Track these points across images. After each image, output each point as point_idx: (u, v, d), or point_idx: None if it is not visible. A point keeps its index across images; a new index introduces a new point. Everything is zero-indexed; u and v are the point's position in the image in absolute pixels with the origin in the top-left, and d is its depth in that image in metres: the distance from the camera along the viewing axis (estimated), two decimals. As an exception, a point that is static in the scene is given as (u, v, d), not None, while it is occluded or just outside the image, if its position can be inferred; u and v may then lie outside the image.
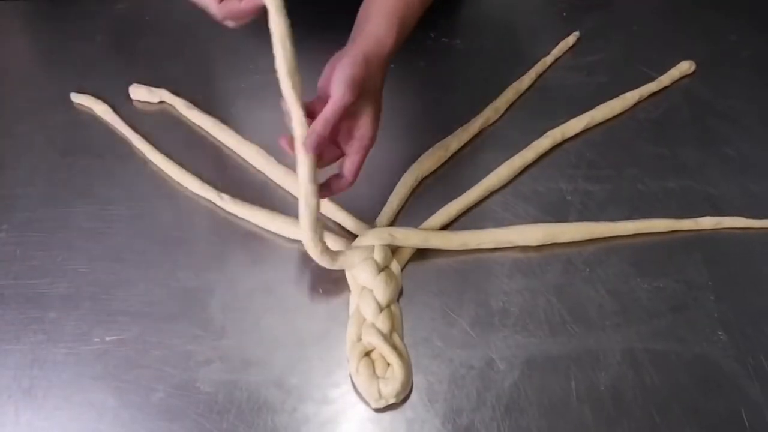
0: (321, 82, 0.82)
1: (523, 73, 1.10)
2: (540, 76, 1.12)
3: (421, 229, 0.88)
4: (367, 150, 0.82)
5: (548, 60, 1.13)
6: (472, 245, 0.86)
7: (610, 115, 1.05)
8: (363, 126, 0.81)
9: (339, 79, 0.79)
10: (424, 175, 0.96)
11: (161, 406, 0.73)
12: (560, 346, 0.78)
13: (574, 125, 1.02)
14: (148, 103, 1.07)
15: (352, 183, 0.82)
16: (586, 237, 0.88)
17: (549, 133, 1.00)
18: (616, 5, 1.30)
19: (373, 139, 0.82)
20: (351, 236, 0.88)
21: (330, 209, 0.90)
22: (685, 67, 1.12)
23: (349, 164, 0.81)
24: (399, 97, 1.08)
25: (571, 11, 1.24)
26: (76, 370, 0.76)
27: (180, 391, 0.74)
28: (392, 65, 0.99)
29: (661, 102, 1.09)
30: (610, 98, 1.07)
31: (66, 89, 1.07)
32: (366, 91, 0.80)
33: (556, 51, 1.15)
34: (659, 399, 0.74)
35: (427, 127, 1.02)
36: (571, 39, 1.17)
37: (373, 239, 0.84)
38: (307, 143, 0.77)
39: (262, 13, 0.80)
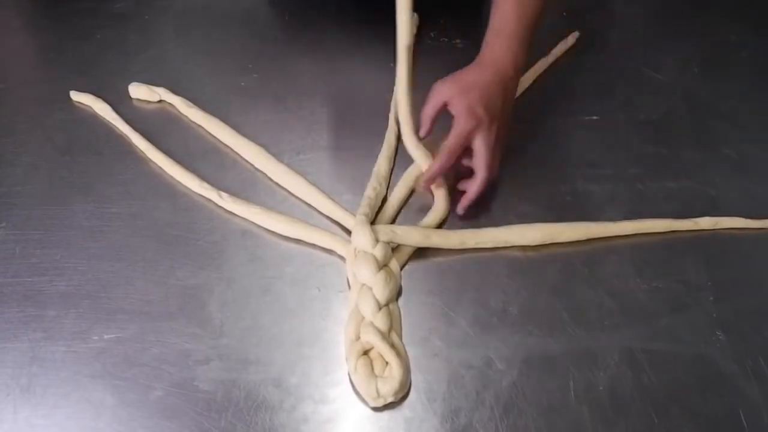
0: (427, 110, 0.89)
1: (523, 73, 1.10)
2: (539, 76, 1.12)
3: (421, 226, 0.88)
4: (483, 183, 0.88)
5: (548, 60, 1.13)
6: (471, 244, 0.86)
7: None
8: (478, 157, 0.86)
9: (458, 107, 0.85)
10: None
11: (159, 404, 0.73)
12: (559, 346, 0.78)
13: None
14: (148, 101, 1.07)
15: (463, 217, 0.90)
16: (585, 237, 0.88)
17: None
18: (616, 6, 1.31)
19: (489, 170, 0.87)
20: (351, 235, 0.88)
21: (330, 208, 0.90)
22: (571, 41, 1.16)
23: (463, 199, 0.90)
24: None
25: (571, 11, 1.24)
26: (75, 368, 0.76)
27: (178, 389, 0.74)
28: (391, 64, 0.99)
29: (660, 102, 1.09)
30: (611, 98, 1.08)
31: (65, 87, 1.08)
32: (483, 119, 0.85)
33: (556, 51, 1.15)
34: (657, 399, 0.74)
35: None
36: (570, 39, 1.17)
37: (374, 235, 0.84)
38: (432, 177, 0.88)
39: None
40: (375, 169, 0.95)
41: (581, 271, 0.86)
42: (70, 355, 0.77)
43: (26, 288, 0.83)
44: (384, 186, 0.94)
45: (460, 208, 0.90)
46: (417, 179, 0.93)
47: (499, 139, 0.88)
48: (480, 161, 0.87)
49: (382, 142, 0.99)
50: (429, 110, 0.89)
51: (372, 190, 0.92)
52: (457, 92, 0.87)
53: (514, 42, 0.89)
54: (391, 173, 0.96)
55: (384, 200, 0.93)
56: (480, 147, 0.86)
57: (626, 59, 1.16)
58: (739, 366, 0.77)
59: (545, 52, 1.14)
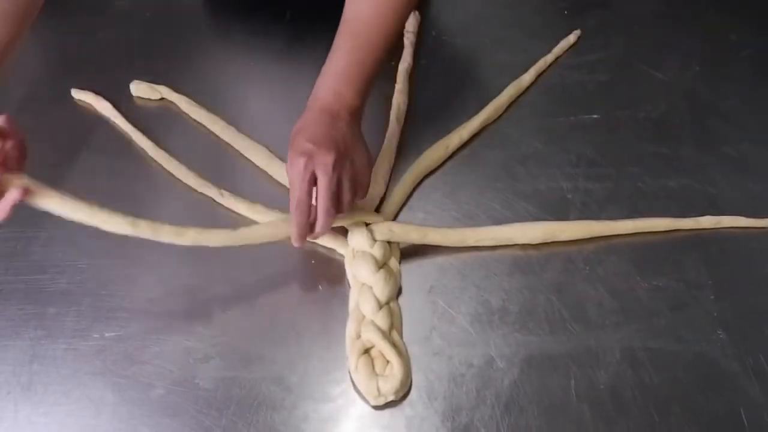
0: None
1: (524, 72, 1.10)
2: (541, 74, 1.12)
3: (423, 225, 0.89)
4: (324, 217, 0.78)
5: (549, 58, 1.13)
6: (471, 242, 0.86)
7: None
8: (319, 190, 0.78)
9: (289, 155, 0.78)
10: (425, 174, 0.96)
11: (160, 402, 0.73)
12: (560, 345, 0.78)
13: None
14: (149, 99, 1.07)
15: (316, 236, 0.81)
16: (586, 235, 0.88)
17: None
18: (617, 4, 1.30)
19: (325, 202, 0.77)
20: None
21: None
22: (572, 39, 1.16)
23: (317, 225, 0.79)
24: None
25: (572, 10, 1.24)
26: (76, 365, 0.76)
27: (179, 387, 0.74)
28: (392, 62, 0.99)
29: (661, 101, 1.09)
30: (611, 96, 1.08)
31: (67, 86, 1.07)
32: (313, 150, 0.77)
33: (557, 50, 1.15)
34: (658, 398, 0.74)
35: (427, 126, 1.02)
36: (572, 37, 1.17)
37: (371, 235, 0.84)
38: (300, 237, 0.79)
39: None
40: (374, 167, 0.95)
41: (582, 269, 0.86)
42: (71, 353, 0.77)
43: (27, 286, 0.83)
44: (383, 185, 0.93)
45: (319, 230, 0.80)
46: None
47: (348, 169, 0.79)
48: (320, 195, 0.78)
49: (383, 142, 0.99)
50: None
51: (370, 189, 0.92)
52: (290, 145, 0.79)
53: (340, 80, 0.82)
54: (390, 173, 0.96)
55: (383, 199, 0.93)
56: (320, 177, 0.77)
57: (627, 58, 1.16)
58: (740, 364, 0.77)
59: (546, 51, 1.14)
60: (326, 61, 0.85)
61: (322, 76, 0.84)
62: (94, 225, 0.77)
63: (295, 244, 0.79)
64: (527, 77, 1.09)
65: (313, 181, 0.77)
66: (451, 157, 0.99)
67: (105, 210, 0.77)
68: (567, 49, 1.16)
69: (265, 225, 0.84)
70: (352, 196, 0.80)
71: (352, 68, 0.83)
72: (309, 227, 0.79)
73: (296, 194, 0.77)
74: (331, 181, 0.77)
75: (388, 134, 0.99)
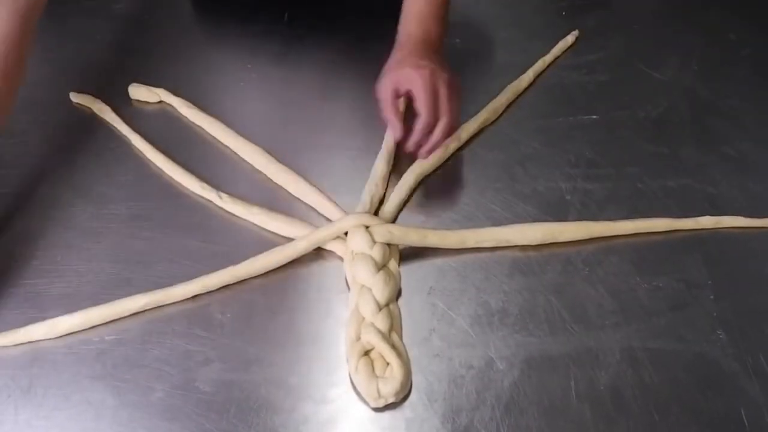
0: (387, 112, 0.89)
1: (522, 72, 1.10)
2: (539, 75, 1.12)
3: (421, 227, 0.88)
4: (425, 128, 0.87)
5: (547, 59, 1.13)
6: (471, 244, 0.86)
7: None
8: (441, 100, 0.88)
9: (409, 75, 0.88)
10: (425, 175, 0.96)
11: (160, 405, 0.73)
12: (560, 346, 0.78)
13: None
14: (147, 102, 1.07)
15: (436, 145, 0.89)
16: (586, 236, 0.88)
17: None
18: (616, 4, 1.31)
19: (426, 115, 0.87)
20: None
21: (329, 208, 0.90)
22: (571, 39, 1.17)
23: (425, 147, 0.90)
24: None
25: (571, 10, 1.24)
26: (76, 369, 0.76)
27: (179, 390, 0.74)
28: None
29: (660, 101, 1.09)
30: (610, 96, 1.08)
31: (65, 89, 1.07)
32: (429, 66, 0.88)
33: (556, 50, 1.15)
34: (659, 398, 0.74)
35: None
36: (570, 38, 1.17)
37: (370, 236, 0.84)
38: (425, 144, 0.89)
39: None
40: (373, 169, 0.95)
41: (582, 270, 0.86)
42: (71, 357, 0.77)
43: (26, 290, 0.83)
44: (381, 187, 0.94)
45: (424, 152, 0.90)
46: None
47: (451, 86, 0.88)
48: (445, 107, 0.88)
49: (382, 143, 0.99)
50: (388, 110, 0.89)
51: (368, 191, 0.92)
52: (395, 72, 0.90)
53: (424, 19, 0.95)
54: (389, 174, 0.96)
55: (382, 200, 0.93)
56: (444, 92, 0.87)
57: (626, 58, 1.16)
58: (740, 364, 0.77)
59: (545, 51, 1.14)
60: (402, 8, 0.97)
61: (405, 19, 0.96)
62: None
63: (426, 152, 0.90)
64: (526, 78, 1.09)
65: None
66: (450, 158, 0.99)
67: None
68: (566, 50, 1.16)
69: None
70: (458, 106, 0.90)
71: (431, 8, 0.96)
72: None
73: (425, 100, 0.86)
74: (453, 89, 0.88)
75: (386, 136, 0.99)
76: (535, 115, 1.05)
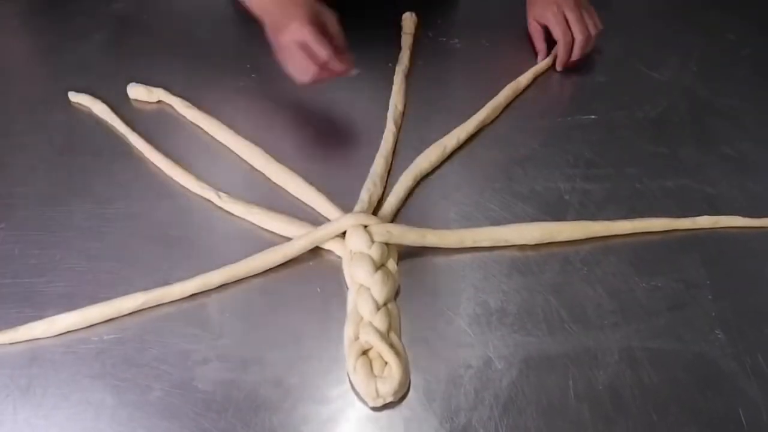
0: (537, 42, 1.18)
1: (521, 73, 1.10)
2: (539, 75, 1.12)
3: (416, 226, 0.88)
4: (565, 50, 1.14)
5: (548, 60, 1.14)
6: (469, 243, 0.86)
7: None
8: (574, 24, 1.13)
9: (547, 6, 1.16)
10: (423, 175, 0.96)
11: (159, 404, 0.73)
12: (558, 345, 0.78)
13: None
14: (146, 102, 1.07)
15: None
16: (584, 236, 0.88)
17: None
18: (616, 4, 1.31)
19: (583, 33, 1.12)
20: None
21: (328, 208, 0.90)
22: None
23: (571, 57, 1.15)
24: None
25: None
26: (74, 368, 0.76)
27: (178, 389, 0.74)
28: (389, 64, 0.99)
29: (659, 101, 1.09)
30: (609, 97, 1.08)
31: (64, 88, 1.08)
32: None
33: (556, 50, 1.15)
34: (657, 398, 0.74)
35: (424, 127, 1.02)
36: None
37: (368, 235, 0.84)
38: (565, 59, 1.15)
39: None
40: (372, 169, 0.95)
41: (580, 270, 0.86)
42: (70, 356, 0.77)
43: (25, 289, 0.83)
44: (380, 186, 0.94)
45: (570, 64, 1.15)
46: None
47: (577, 9, 1.13)
48: (576, 28, 1.12)
49: (380, 143, 0.99)
50: (537, 36, 1.18)
51: (367, 190, 0.92)
52: (532, 10, 1.18)
53: None
54: (388, 173, 0.96)
55: (381, 199, 0.93)
56: (571, 17, 1.12)
57: (625, 58, 1.16)
58: (739, 364, 0.77)
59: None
60: None
61: None
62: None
63: (561, 66, 1.15)
64: (524, 79, 1.09)
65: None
66: (448, 158, 0.99)
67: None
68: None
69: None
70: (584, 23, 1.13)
71: None
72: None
73: (560, 28, 1.13)
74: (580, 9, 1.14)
75: (385, 135, 0.99)
76: (534, 115, 1.05)
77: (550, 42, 1.16)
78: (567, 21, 1.13)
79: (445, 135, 1.00)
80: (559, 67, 1.15)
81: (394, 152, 0.99)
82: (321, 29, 0.92)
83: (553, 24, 1.13)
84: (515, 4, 1.24)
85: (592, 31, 1.13)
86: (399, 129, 1.02)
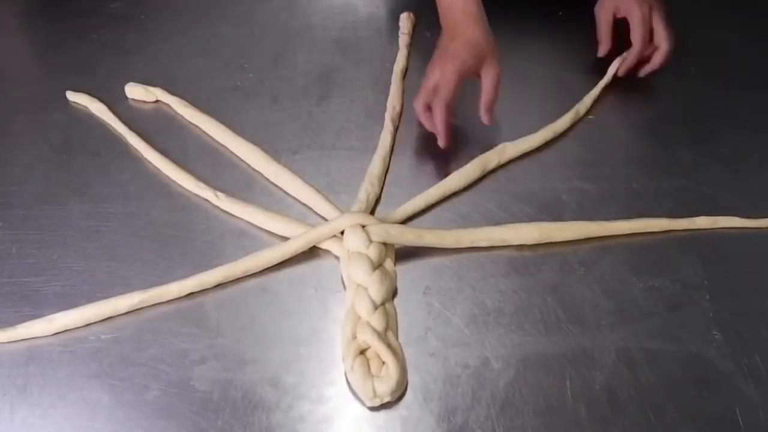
0: (603, 30, 1.10)
1: (520, 73, 1.10)
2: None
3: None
4: (667, 52, 1.07)
5: (594, 92, 1.10)
6: (466, 243, 0.86)
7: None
8: (658, 32, 1.07)
9: (627, 4, 1.05)
10: (452, 192, 0.95)
11: (156, 404, 0.73)
12: (555, 346, 0.78)
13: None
14: (144, 101, 1.07)
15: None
16: (582, 236, 0.88)
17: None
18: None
19: (669, 41, 1.06)
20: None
21: (326, 208, 0.90)
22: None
23: (648, 67, 1.09)
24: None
25: (568, 9, 1.24)
26: (72, 368, 0.76)
27: (175, 389, 0.74)
28: (387, 64, 0.98)
29: (657, 101, 1.09)
30: (607, 97, 1.08)
31: (62, 87, 1.08)
32: (651, 2, 1.07)
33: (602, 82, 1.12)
34: (654, 398, 0.74)
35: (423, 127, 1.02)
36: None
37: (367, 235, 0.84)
38: (632, 63, 1.09)
39: None
40: (369, 169, 0.95)
41: (577, 270, 0.86)
42: (67, 356, 0.77)
43: (23, 288, 0.83)
44: (377, 186, 0.94)
45: (644, 72, 1.08)
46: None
47: (665, 16, 1.05)
48: (662, 35, 1.04)
49: (377, 143, 0.99)
50: (604, 29, 1.08)
51: (365, 190, 0.92)
52: None
53: None
54: (385, 174, 0.96)
55: (378, 199, 0.93)
56: (659, 23, 1.04)
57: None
58: (736, 364, 0.77)
59: (543, 51, 1.14)
60: None
61: None
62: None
63: (623, 73, 1.09)
64: (589, 99, 1.07)
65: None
66: (448, 157, 0.99)
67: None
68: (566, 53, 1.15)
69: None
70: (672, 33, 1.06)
71: None
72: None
73: (642, 32, 1.03)
74: (665, 25, 1.06)
75: (382, 135, 0.99)
76: (534, 114, 1.05)
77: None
78: (652, 25, 1.05)
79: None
80: (622, 73, 1.09)
81: (391, 152, 0.99)
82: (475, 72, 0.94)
83: (638, 23, 1.03)
84: (513, 3, 1.24)
85: (670, 51, 1.05)
86: (396, 129, 1.02)
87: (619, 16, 1.06)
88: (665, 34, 1.04)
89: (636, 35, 1.03)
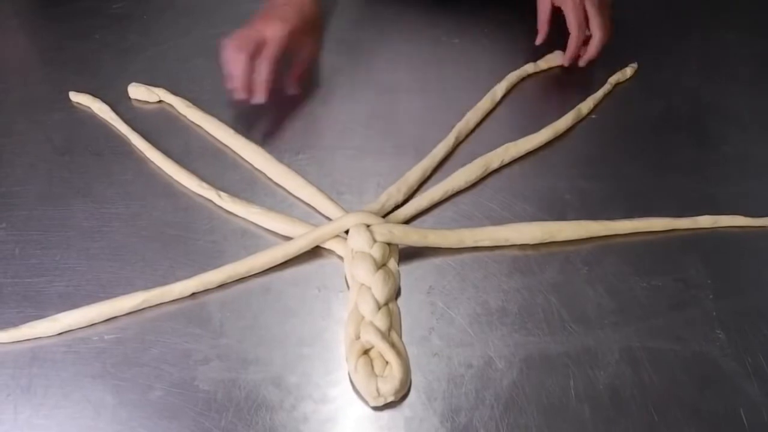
0: (541, 17, 1.11)
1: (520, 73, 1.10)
2: (537, 74, 1.12)
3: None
4: (600, 41, 1.09)
5: (606, 88, 1.11)
6: (470, 243, 0.86)
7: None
8: (593, 20, 1.07)
9: None
10: (455, 192, 0.95)
11: (160, 404, 0.73)
12: (559, 345, 0.78)
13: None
14: (147, 102, 1.07)
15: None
16: (585, 235, 0.88)
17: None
18: (617, 4, 1.30)
19: (602, 29, 1.08)
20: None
21: (329, 208, 0.90)
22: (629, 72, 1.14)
23: (584, 57, 1.11)
24: (396, 96, 1.08)
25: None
26: (75, 368, 0.76)
27: (178, 389, 0.74)
28: (389, 64, 0.98)
29: (659, 100, 1.09)
30: (610, 96, 1.08)
31: (64, 88, 1.08)
32: None
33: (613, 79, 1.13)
34: (657, 397, 0.74)
35: (424, 126, 1.02)
36: (629, 70, 1.15)
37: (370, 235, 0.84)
38: (573, 53, 1.10)
39: None
40: (406, 174, 0.94)
41: (580, 269, 0.86)
42: (71, 356, 0.77)
43: (25, 288, 0.83)
44: (403, 194, 0.92)
45: (583, 62, 1.10)
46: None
47: (603, 5, 1.07)
48: (594, 23, 1.06)
49: (382, 142, 0.99)
50: (543, 17, 1.10)
51: (388, 193, 0.91)
52: None
53: None
54: (420, 185, 0.95)
55: (395, 207, 0.92)
56: (591, 11, 1.06)
57: (625, 57, 1.16)
58: (739, 364, 0.77)
59: (543, 51, 1.14)
60: None
61: None
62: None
63: (568, 61, 1.10)
64: (566, 121, 1.05)
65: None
66: (447, 157, 0.99)
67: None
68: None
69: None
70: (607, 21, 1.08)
71: None
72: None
73: (577, 18, 1.05)
74: (599, 13, 1.07)
75: (438, 146, 0.98)
76: (534, 114, 1.05)
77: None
78: (586, 13, 1.06)
79: (444, 134, 0.99)
80: (566, 62, 1.11)
81: (439, 167, 0.98)
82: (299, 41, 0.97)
83: (570, 10, 1.05)
84: (516, 3, 1.24)
85: (605, 38, 1.07)
86: (458, 145, 1.01)
87: (556, 4, 1.08)
88: (597, 22, 1.06)
89: (570, 23, 1.06)
